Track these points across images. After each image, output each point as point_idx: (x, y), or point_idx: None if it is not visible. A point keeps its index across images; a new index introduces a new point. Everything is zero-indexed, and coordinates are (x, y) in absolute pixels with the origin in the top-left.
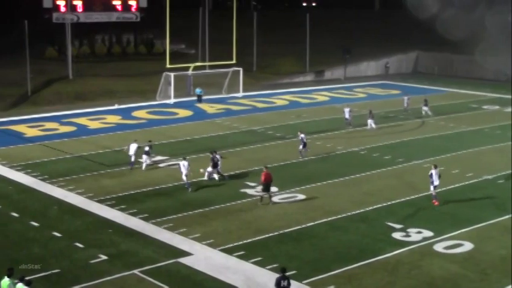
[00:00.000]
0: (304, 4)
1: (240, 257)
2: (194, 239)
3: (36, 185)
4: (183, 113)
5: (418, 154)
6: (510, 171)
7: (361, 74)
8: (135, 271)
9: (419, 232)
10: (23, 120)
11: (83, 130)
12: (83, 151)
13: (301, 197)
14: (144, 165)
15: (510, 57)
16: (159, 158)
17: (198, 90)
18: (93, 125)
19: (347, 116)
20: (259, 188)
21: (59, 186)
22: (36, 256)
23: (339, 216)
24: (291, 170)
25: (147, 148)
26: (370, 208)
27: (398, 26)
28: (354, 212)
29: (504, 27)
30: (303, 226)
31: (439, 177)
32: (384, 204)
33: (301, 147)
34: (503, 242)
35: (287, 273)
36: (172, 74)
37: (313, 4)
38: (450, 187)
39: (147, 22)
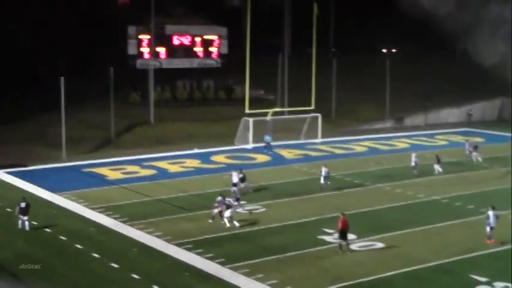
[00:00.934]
0: (384, 50)
1: None
2: (271, 285)
3: (116, 226)
4: (261, 158)
5: (504, 204)
6: None
7: (442, 121)
8: None
9: (507, 287)
10: (106, 163)
11: (163, 173)
12: (163, 194)
13: (380, 245)
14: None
15: None
16: (235, 203)
17: (267, 138)
18: (173, 168)
19: (413, 163)
20: (337, 235)
21: (138, 228)
22: None
23: (419, 266)
24: (369, 217)
25: (236, 179)
26: (453, 259)
27: (480, 72)
28: (435, 263)
29: None
30: (382, 275)
31: (497, 218)
32: (468, 255)
33: (322, 181)
34: None
35: None
36: (251, 119)
37: (393, 50)
38: None
39: (227, 68)
